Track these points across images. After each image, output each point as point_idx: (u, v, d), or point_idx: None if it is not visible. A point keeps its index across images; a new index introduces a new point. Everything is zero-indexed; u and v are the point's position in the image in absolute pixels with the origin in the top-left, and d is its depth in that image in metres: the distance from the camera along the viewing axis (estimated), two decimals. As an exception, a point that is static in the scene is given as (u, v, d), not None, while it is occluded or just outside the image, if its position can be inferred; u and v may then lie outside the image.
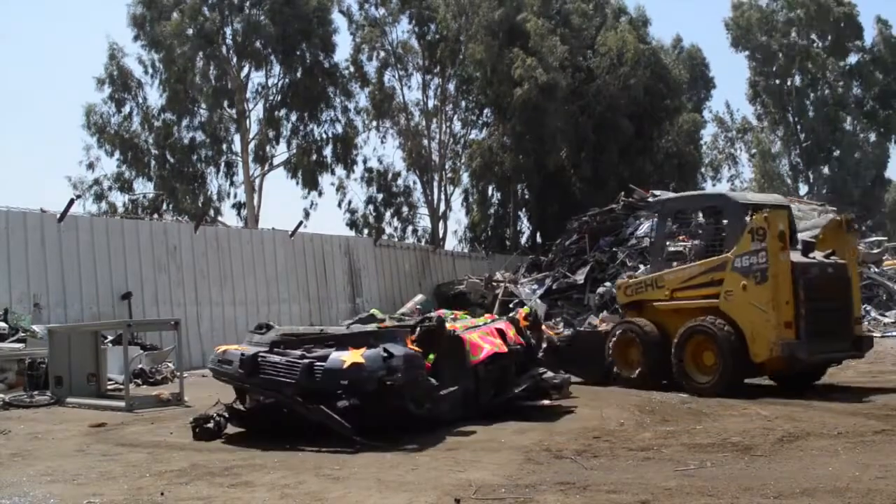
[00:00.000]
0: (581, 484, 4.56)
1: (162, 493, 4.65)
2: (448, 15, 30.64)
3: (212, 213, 29.72)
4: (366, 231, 31.55)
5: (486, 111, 32.59)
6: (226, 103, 30.04)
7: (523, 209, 33.59)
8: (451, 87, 32.71)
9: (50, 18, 52.04)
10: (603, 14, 31.77)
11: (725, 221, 9.09)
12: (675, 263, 9.41)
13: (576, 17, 29.94)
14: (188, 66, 28.17)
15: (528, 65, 27.28)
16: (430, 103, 32.90)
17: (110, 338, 12.18)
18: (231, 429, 6.72)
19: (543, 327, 9.63)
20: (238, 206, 31.18)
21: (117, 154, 29.27)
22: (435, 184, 32.99)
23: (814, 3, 39.20)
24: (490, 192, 34.05)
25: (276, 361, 6.25)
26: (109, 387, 10.69)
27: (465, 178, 33.97)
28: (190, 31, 27.62)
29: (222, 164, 30.88)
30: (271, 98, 30.25)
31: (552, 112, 27.56)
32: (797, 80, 40.83)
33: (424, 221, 33.64)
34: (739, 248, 8.42)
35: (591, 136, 29.42)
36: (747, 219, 8.65)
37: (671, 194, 24.19)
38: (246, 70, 29.80)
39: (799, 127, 40.96)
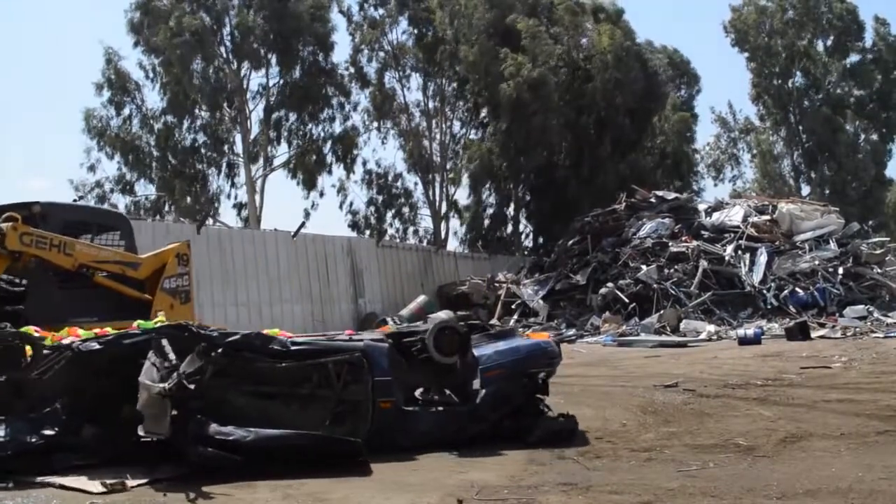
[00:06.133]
0: (584, 485, 4.56)
1: (164, 494, 4.66)
2: (445, 19, 30.56)
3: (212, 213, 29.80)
4: (367, 232, 31.55)
5: (482, 112, 32.56)
6: (226, 105, 30.07)
7: (523, 210, 33.60)
8: (451, 89, 32.72)
9: (47, 23, 52.20)
10: (583, 10, 31.50)
11: (123, 240, 9.59)
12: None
13: (563, 14, 29.79)
14: (184, 69, 28.20)
15: (518, 62, 27.32)
16: (431, 104, 32.94)
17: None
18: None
19: None
20: (239, 207, 31.23)
21: (118, 156, 29.32)
22: (436, 184, 33.00)
23: (813, 0, 39.12)
24: (489, 193, 34.08)
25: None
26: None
27: (465, 178, 34.01)
28: (186, 35, 27.63)
29: (223, 165, 30.93)
30: (271, 99, 30.28)
31: (541, 109, 27.50)
32: (798, 80, 40.76)
33: (426, 222, 33.66)
34: (168, 271, 9.05)
35: (586, 136, 29.42)
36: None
37: (672, 194, 24.22)
38: (244, 71, 29.85)
39: (800, 128, 40.85)
